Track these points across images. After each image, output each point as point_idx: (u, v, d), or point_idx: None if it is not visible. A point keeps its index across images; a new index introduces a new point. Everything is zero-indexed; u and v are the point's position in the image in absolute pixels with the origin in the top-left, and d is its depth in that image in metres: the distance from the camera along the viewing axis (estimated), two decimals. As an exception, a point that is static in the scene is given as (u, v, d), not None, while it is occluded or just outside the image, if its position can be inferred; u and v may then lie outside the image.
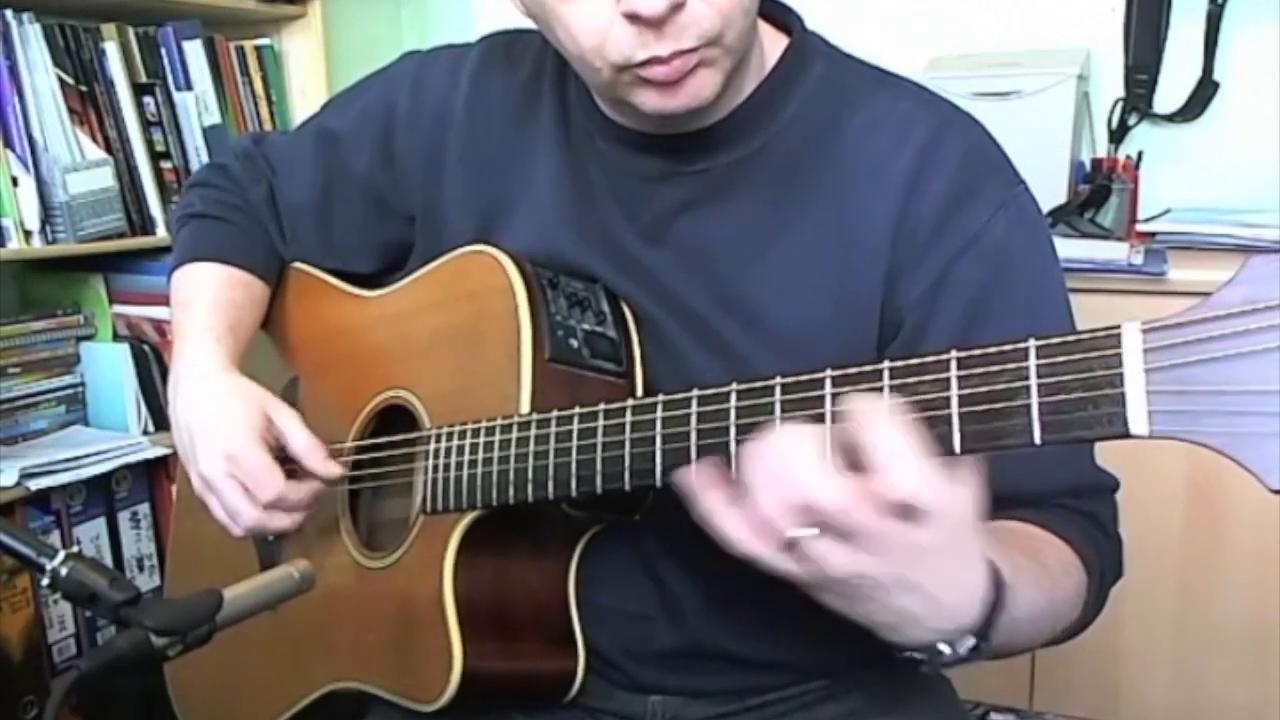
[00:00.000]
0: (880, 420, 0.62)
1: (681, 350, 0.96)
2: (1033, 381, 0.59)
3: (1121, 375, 0.55)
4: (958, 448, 0.63)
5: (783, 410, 0.69)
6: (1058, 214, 2.12)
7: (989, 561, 0.69)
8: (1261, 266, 0.52)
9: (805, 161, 0.95)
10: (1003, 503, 0.76)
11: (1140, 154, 2.27)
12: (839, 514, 0.62)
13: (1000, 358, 0.60)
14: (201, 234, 1.18)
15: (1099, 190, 2.19)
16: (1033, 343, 0.59)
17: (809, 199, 0.94)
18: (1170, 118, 2.28)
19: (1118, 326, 0.56)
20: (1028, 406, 0.58)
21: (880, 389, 0.64)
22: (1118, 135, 2.31)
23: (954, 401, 0.63)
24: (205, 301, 1.13)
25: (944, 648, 0.70)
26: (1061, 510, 0.88)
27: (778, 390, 0.70)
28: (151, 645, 0.73)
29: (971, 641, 0.70)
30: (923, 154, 0.91)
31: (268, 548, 1.15)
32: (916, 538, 0.63)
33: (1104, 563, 0.89)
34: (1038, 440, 0.59)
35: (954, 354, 0.61)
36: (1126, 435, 0.55)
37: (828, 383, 0.67)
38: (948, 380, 0.61)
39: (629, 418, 0.81)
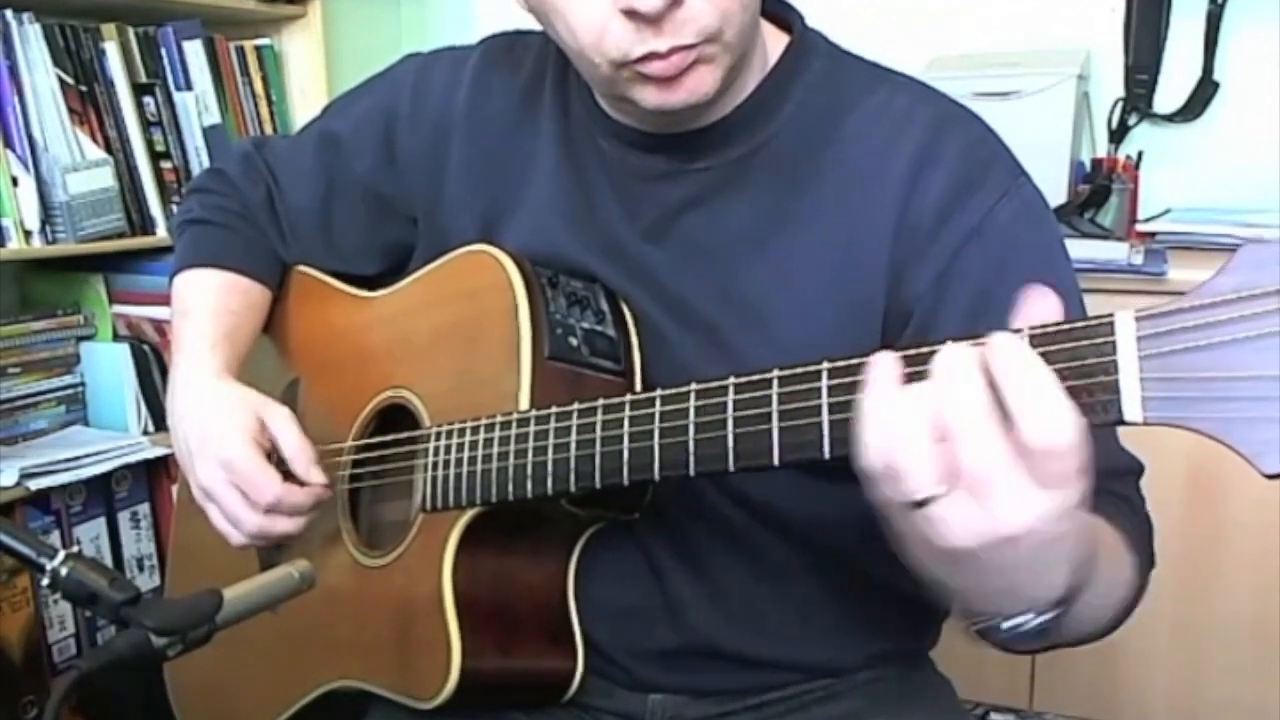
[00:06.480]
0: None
1: (681, 349, 0.96)
2: None
3: (1115, 363, 0.56)
4: None
5: (779, 403, 0.69)
6: (1058, 214, 2.11)
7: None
8: (1253, 254, 0.52)
9: (806, 158, 0.94)
10: None
11: (1140, 154, 2.27)
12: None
13: None
14: (200, 240, 1.18)
15: (1099, 190, 2.19)
16: (1026, 332, 0.59)
17: (810, 195, 0.94)
18: (1170, 118, 2.28)
19: (1111, 315, 0.56)
20: None
21: None
22: (1118, 135, 2.31)
23: None
24: (202, 310, 1.13)
25: (1023, 617, 0.66)
26: (1097, 493, 0.87)
27: (775, 383, 0.70)
28: (151, 645, 0.73)
29: (1053, 613, 0.66)
30: (923, 148, 0.91)
31: (267, 548, 1.15)
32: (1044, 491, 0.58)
33: (1144, 547, 0.86)
34: None
35: (949, 344, 0.61)
36: (1121, 422, 0.56)
37: (824, 375, 0.67)
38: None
39: (627, 412, 0.81)
